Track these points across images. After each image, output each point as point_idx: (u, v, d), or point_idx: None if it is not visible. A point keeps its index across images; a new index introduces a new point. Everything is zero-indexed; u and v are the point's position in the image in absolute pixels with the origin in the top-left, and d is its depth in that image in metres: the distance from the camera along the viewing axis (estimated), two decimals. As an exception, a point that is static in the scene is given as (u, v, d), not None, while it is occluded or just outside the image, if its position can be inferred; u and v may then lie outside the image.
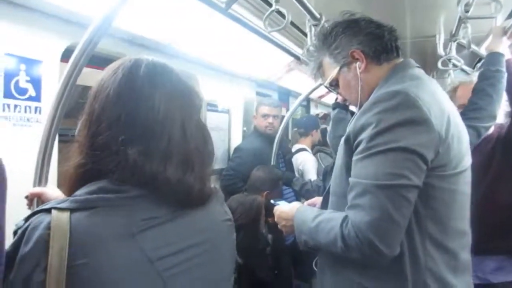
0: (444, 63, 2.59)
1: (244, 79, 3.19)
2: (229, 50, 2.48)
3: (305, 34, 2.00)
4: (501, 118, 2.00)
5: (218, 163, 2.91)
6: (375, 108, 0.99)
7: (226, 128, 2.98)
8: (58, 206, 0.68)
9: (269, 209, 2.58)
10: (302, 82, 3.57)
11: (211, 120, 2.79)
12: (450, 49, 2.40)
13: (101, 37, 1.20)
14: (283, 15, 1.60)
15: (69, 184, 0.76)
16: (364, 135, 0.98)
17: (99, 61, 1.60)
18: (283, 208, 1.31)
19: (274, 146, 2.86)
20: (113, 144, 0.72)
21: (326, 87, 1.30)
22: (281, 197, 2.71)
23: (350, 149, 1.04)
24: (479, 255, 1.91)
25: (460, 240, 1.10)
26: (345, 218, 0.99)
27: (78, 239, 0.65)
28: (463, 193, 1.08)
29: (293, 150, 3.39)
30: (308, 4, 1.72)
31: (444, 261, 1.04)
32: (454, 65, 2.64)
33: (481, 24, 2.26)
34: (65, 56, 1.52)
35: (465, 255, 1.13)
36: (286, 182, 2.62)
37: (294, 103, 3.28)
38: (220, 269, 0.85)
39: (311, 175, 3.16)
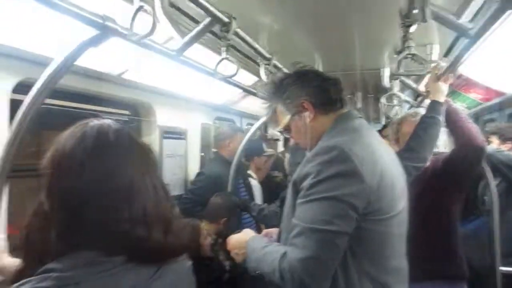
0: (389, 98, 2.79)
1: (201, 104, 3.22)
2: (184, 76, 2.50)
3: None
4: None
5: (176, 190, 2.89)
6: (316, 160, 1.13)
7: (183, 155, 2.97)
8: (42, 286, 0.65)
9: (225, 236, 2.60)
10: (259, 106, 3.61)
11: (168, 147, 2.78)
12: (392, 84, 2.58)
13: (63, 74, 1.20)
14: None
15: (32, 254, 0.74)
16: (306, 183, 1.12)
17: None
18: (236, 237, 1.38)
19: (230, 171, 2.89)
20: (92, 214, 0.71)
21: (279, 132, 1.39)
22: (238, 223, 2.74)
23: (296, 192, 1.17)
24: (418, 282, 2.01)
25: (395, 275, 1.22)
26: (284, 253, 1.10)
27: None
28: (396, 234, 1.20)
29: None
30: (258, 47, 1.80)
31: None
32: (398, 98, 2.85)
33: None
34: (18, 90, 1.55)
35: None
36: (244, 208, 2.65)
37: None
38: None
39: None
